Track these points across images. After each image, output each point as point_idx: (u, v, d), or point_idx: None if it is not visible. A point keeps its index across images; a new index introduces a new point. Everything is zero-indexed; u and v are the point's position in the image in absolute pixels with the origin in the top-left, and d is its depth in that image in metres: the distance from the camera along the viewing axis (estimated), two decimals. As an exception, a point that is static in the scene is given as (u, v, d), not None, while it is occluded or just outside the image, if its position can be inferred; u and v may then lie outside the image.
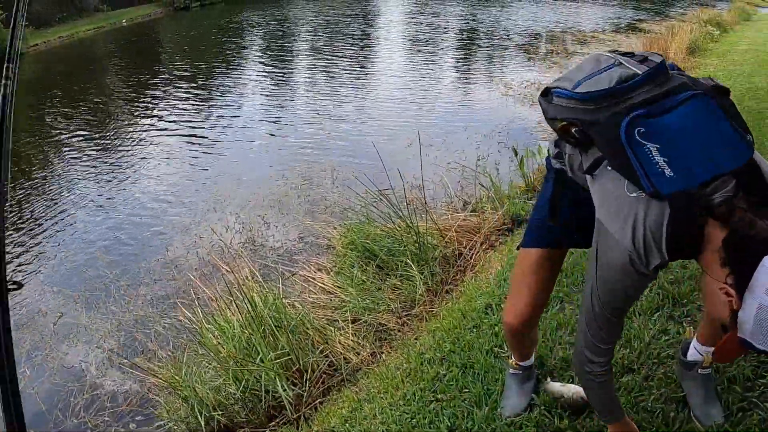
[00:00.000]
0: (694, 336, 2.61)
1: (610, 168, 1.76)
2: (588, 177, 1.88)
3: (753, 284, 1.44)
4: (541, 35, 22.32)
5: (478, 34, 23.18)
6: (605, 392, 2.08)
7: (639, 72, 1.72)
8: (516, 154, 6.95)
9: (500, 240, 5.49)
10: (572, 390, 2.72)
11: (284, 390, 3.67)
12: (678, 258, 1.70)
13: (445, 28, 25.17)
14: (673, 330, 3.11)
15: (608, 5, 30.74)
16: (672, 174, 1.58)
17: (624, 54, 1.88)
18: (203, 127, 12.41)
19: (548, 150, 2.24)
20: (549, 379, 2.86)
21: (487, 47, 20.69)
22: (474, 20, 26.82)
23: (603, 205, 1.79)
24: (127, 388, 4.76)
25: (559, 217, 2.20)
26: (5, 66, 2.06)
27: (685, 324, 3.15)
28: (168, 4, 36.19)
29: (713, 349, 2.50)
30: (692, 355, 2.59)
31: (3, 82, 2.05)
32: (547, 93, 1.96)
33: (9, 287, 1.95)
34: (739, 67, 11.18)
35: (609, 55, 1.88)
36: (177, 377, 4.00)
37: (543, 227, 2.25)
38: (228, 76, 17.56)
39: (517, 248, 2.43)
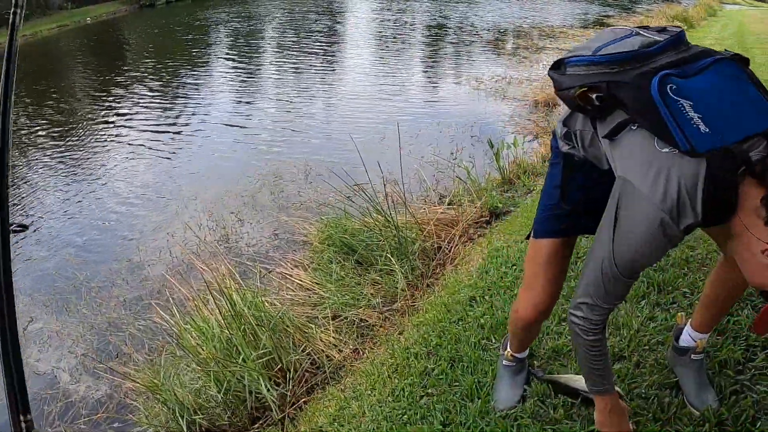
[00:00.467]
0: (687, 322, 2.59)
1: (635, 128, 1.70)
2: (606, 143, 1.82)
3: None
4: (509, 31, 22.41)
5: (446, 30, 23.22)
6: (595, 355, 1.99)
7: (660, 39, 1.71)
8: (492, 147, 6.93)
9: (479, 233, 5.46)
10: (568, 378, 2.71)
11: (268, 390, 3.58)
12: (709, 222, 1.62)
13: (413, 24, 25.19)
14: (661, 317, 3.10)
15: (575, 1, 30.93)
16: (708, 130, 1.53)
17: (640, 27, 1.86)
18: (171, 126, 12.26)
19: (554, 132, 2.18)
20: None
21: (455, 43, 20.71)
22: (441, 16, 26.86)
23: (629, 161, 1.71)
24: (103, 394, 4.63)
25: (569, 200, 2.14)
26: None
27: (671, 310, 3.14)
28: (133, 1, 35.78)
29: (707, 336, 2.51)
30: (685, 341, 2.57)
31: (12, 9, 2.01)
32: (559, 65, 1.92)
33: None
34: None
35: (624, 27, 1.88)
36: (155, 381, 3.88)
37: (554, 216, 2.19)
38: (195, 74, 17.38)
39: (527, 238, 2.37)
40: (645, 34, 1.77)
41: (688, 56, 1.66)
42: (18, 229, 1.95)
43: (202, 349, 3.94)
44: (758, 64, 10.46)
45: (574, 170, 2.10)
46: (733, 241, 1.63)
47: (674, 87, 1.57)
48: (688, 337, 2.56)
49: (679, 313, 2.74)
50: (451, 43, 20.80)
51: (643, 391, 2.63)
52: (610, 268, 1.76)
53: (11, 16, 2.00)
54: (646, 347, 2.90)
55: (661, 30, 1.78)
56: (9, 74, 1.98)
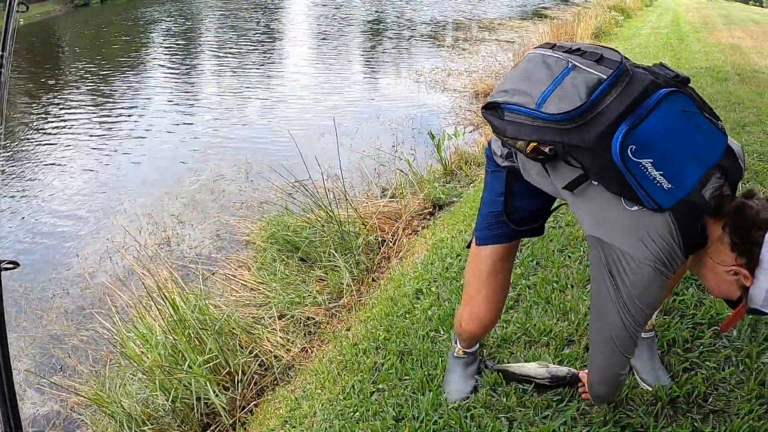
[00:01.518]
0: None
1: (596, 183, 1.73)
2: (566, 192, 1.83)
3: (762, 260, 1.60)
4: (448, 24, 22.50)
5: (384, 26, 23.20)
6: None
7: (603, 76, 1.64)
8: (433, 138, 6.93)
9: (422, 224, 5.45)
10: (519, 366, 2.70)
11: (216, 396, 3.50)
12: (688, 256, 1.76)
13: (350, 20, 25.10)
14: (607, 299, 3.09)
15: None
16: (670, 185, 1.60)
17: (570, 51, 1.78)
18: (108, 130, 11.94)
19: (491, 145, 2.14)
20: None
21: (394, 37, 20.72)
22: (379, 12, 26.83)
23: (601, 223, 1.76)
24: (49, 410, 4.45)
25: (514, 212, 2.12)
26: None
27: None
28: (67, 0, 34.90)
29: (655, 314, 2.52)
30: None
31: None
32: (494, 107, 1.84)
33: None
34: (645, 50, 11.55)
35: (556, 55, 1.78)
36: (101, 393, 3.77)
37: (498, 222, 2.15)
38: (131, 76, 16.99)
39: (467, 246, 2.33)
40: (582, 67, 1.69)
41: (636, 97, 1.60)
42: (9, 266, 1.98)
43: (147, 357, 3.84)
44: (695, 51, 10.72)
45: (518, 181, 2.08)
46: (694, 260, 1.79)
47: (633, 148, 1.57)
48: None
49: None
50: (390, 37, 20.81)
51: (594, 374, 2.62)
52: (633, 328, 1.80)
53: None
54: (595, 330, 2.89)
55: (599, 59, 1.70)
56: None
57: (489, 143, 2.16)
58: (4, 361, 1.82)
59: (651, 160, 1.57)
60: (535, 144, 1.74)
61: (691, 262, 1.80)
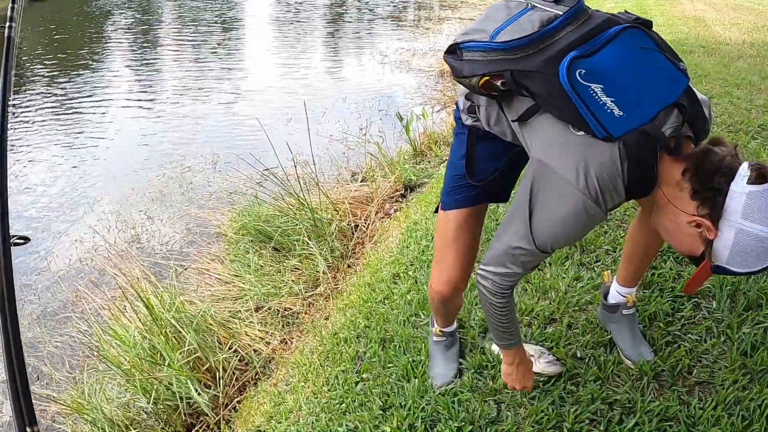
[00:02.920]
0: (613, 279, 2.60)
1: (546, 114, 1.67)
2: (516, 125, 1.79)
3: (726, 211, 1.48)
4: (410, 4, 22.38)
5: (345, 8, 23.03)
6: (503, 315, 1.97)
7: (559, 13, 1.64)
8: (401, 120, 6.90)
9: (395, 207, 5.42)
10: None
11: (198, 394, 3.45)
12: (631, 198, 1.68)
13: (310, 4, 24.85)
14: (587, 276, 3.11)
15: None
16: (621, 113, 1.54)
17: None
18: (69, 127, 11.68)
19: (457, 104, 2.12)
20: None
21: (356, 20, 20.58)
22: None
23: (545, 144, 1.70)
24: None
25: (476, 173, 2.08)
26: (9, 6, 2.01)
27: (596, 269, 3.16)
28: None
29: (634, 289, 2.55)
30: (614, 297, 2.59)
31: (8, 24, 1.98)
32: (454, 50, 1.82)
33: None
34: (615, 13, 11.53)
35: (518, 0, 1.77)
36: (80, 400, 3.68)
37: (460, 186, 2.13)
38: (91, 69, 16.65)
39: (435, 211, 2.32)
40: (541, 7, 1.69)
41: (592, 29, 1.60)
42: (20, 241, 1.96)
43: (125, 359, 3.77)
44: (659, 25, 10.73)
45: (479, 141, 2.05)
46: (656, 213, 1.69)
47: (583, 72, 1.54)
48: (616, 293, 2.58)
49: (605, 271, 2.75)
50: (351, 20, 20.66)
51: (579, 351, 2.63)
52: (528, 245, 1.75)
53: (6, 29, 1.97)
54: (576, 308, 2.90)
55: (558, 0, 1.71)
56: (6, 86, 1.96)
57: (456, 103, 2.15)
58: (16, 348, 1.91)
59: (602, 86, 1.54)
60: (487, 78, 1.72)
61: (654, 214, 1.72)
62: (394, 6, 22.19)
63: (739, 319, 2.66)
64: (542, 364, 2.52)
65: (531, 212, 1.72)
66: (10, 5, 2.01)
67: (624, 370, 2.51)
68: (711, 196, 1.50)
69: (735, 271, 1.54)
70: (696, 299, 2.80)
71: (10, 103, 1.95)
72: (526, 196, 1.72)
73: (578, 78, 1.53)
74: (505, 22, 1.71)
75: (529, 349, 2.57)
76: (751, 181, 1.44)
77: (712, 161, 1.50)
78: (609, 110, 1.53)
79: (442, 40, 14.15)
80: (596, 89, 1.53)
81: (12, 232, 1.92)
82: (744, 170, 1.46)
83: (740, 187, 1.45)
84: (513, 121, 1.79)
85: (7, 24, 1.99)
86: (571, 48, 1.57)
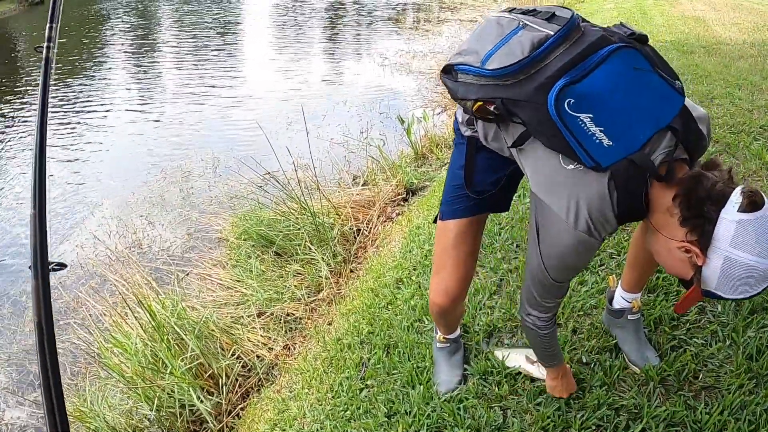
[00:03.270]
0: (618, 284, 2.59)
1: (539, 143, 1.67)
2: (513, 150, 1.80)
3: (716, 238, 1.46)
4: (409, 6, 22.38)
5: (345, 11, 23.03)
6: (549, 343, 2.09)
7: (550, 33, 1.60)
8: (402, 122, 6.89)
9: (397, 211, 5.41)
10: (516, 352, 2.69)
11: (201, 401, 3.44)
12: (624, 222, 1.69)
13: (311, 8, 24.84)
14: (591, 280, 3.09)
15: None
16: (611, 143, 1.54)
17: (526, 12, 1.76)
18: (68, 131, 11.70)
19: (456, 115, 2.12)
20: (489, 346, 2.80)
21: (356, 22, 20.58)
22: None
23: (538, 179, 1.72)
24: (31, 428, 4.35)
25: (475, 185, 2.08)
26: (47, 26, 2.06)
27: (600, 273, 3.14)
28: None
29: (639, 294, 2.54)
30: (619, 302, 2.58)
31: (46, 44, 2.05)
32: (449, 71, 1.82)
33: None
34: (608, 25, 11.50)
35: (510, 16, 1.76)
36: (82, 408, 3.67)
37: (460, 196, 2.12)
38: (90, 73, 16.66)
39: (434, 221, 2.30)
40: (533, 25, 1.66)
41: (583, 50, 1.56)
42: (57, 267, 2.01)
43: (127, 367, 3.75)
44: (658, 25, 10.73)
45: (478, 152, 2.04)
46: (648, 234, 1.69)
47: (572, 102, 1.52)
48: (620, 298, 2.56)
49: (610, 276, 2.74)
50: (351, 23, 20.66)
51: (584, 356, 2.62)
52: (546, 279, 1.80)
53: (44, 50, 2.06)
54: (581, 312, 2.89)
55: (551, 16, 1.68)
56: (43, 119, 2.05)
57: (456, 114, 2.14)
58: (53, 366, 1.98)
59: (591, 116, 1.52)
60: (480, 104, 1.71)
61: (647, 236, 1.72)
62: (393, 8, 22.20)
63: (744, 322, 2.65)
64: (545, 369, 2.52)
65: (540, 249, 1.76)
66: (48, 25, 2.03)
67: (630, 375, 2.50)
68: (700, 223, 1.48)
69: (724, 296, 1.53)
70: (701, 303, 2.79)
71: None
72: (534, 236, 1.76)
73: (566, 109, 1.51)
74: (495, 45, 1.68)
75: (532, 354, 2.56)
76: (742, 209, 1.42)
77: (704, 187, 1.48)
78: (598, 140, 1.52)
79: (442, 42, 14.15)
80: (585, 119, 1.52)
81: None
82: (736, 197, 1.44)
83: (730, 215, 1.43)
84: (509, 147, 1.80)
85: (45, 44, 2.02)
86: (561, 73, 1.54)
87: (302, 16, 22.85)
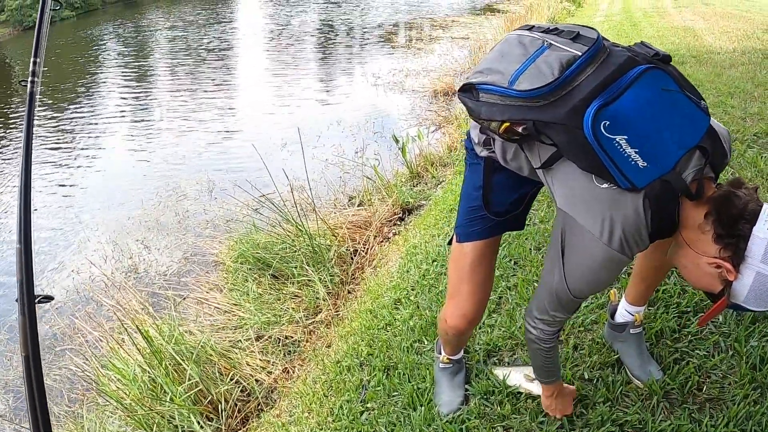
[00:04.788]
0: (621, 298, 2.57)
1: (569, 161, 1.65)
2: (540, 171, 1.78)
3: (748, 255, 1.50)
4: (401, 24, 22.53)
5: (338, 30, 23.22)
6: (549, 358, 2.08)
7: (578, 53, 1.59)
8: (397, 142, 6.89)
9: (394, 231, 5.39)
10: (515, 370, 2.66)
11: (201, 427, 3.39)
12: (656, 240, 1.69)
13: (304, 29, 24.97)
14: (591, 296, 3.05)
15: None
16: (646, 164, 1.54)
17: (547, 31, 1.74)
18: (64, 155, 11.70)
19: (468, 135, 2.08)
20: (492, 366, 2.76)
21: (349, 42, 20.73)
22: (328, 19, 26.75)
23: (568, 196, 1.70)
24: (25, 457, 4.30)
25: (493, 205, 2.05)
26: (31, 61, 2.08)
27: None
28: (15, 23, 34.38)
29: (643, 308, 2.53)
30: (622, 316, 2.56)
31: (30, 79, 2.07)
32: (469, 89, 1.78)
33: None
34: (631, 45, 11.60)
35: (533, 35, 1.73)
36: (80, 436, 3.63)
37: (477, 218, 2.09)
38: (85, 98, 16.74)
39: (449, 243, 2.28)
40: (559, 45, 1.65)
41: (613, 71, 1.55)
42: (44, 300, 2.04)
43: (126, 393, 3.71)
44: (649, 36, 10.81)
45: (495, 172, 2.01)
46: (674, 249, 1.71)
47: (608, 124, 1.51)
48: (624, 312, 2.55)
49: (611, 291, 2.71)
50: (345, 42, 20.81)
51: (586, 373, 2.59)
52: (565, 294, 1.79)
53: (29, 85, 2.08)
54: (582, 328, 2.86)
55: (575, 37, 1.66)
56: (28, 155, 2.09)
57: (468, 133, 2.10)
58: (40, 396, 1.98)
59: (626, 137, 1.52)
60: (508, 125, 1.68)
61: (671, 250, 1.73)
62: (385, 27, 22.31)
63: (746, 332, 2.63)
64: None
65: (564, 264, 1.75)
66: (32, 59, 2.03)
67: (633, 389, 2.48)
68: (734, 242, 1.51)
69: (751, 308, 1.57)
70: (702, 313, 2.76)
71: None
72: (558, 250, 1.75)
73: (602, 131, 1.51)
74: (522, 65, 1.66)
75: (530, 371, 2.54)
76: None
77: (736, 206, 1.51)
78: (633, 162, 1.52)
79: (434, 60, 14.21)
80: (621, 141, 1.51)
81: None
82: (766, 214, 1.49)
83: (762, 233, 1.48)
84: (537, 168, 1.77)
85: (30, 79, 2.02)
86: (593, 95, 1.53)
87: (295, 38, 22.97)
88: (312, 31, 24.02)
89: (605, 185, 1.59)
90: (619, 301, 2.59)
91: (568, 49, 1.62)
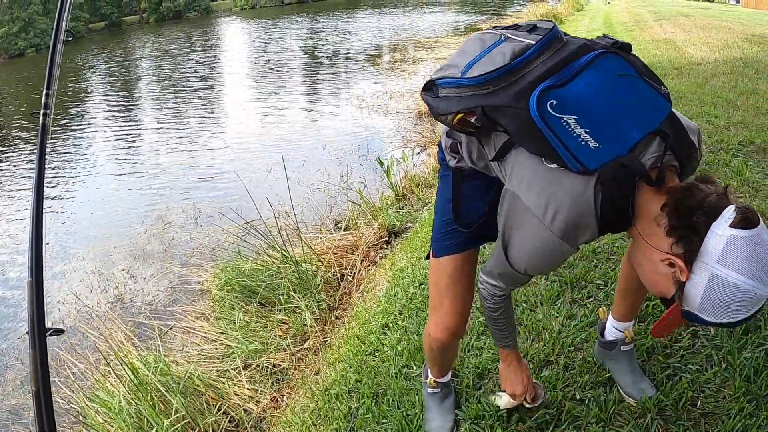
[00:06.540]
0: (609, 315, 2.54)
1: (520, 148, 1.61)
2: (494, 163, 1.74)
3: (703, 253, 1.37)
4: (384, 47, 22.70)
5: (322, 54, 23.40)
6: (498, 318, 2.06)
7: (531, 42, 1.58)
8: (381, 164, 6.87)
9: (380, 254, 5.35)
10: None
11: (189, 460, 3.32)
12: (607, 232, 1.60)
13: (288, 56, 25.10)
14: (580, 313, 3.03)
15: (443, 12, 31.59)
16: (598, 145, 1.46)
17: (508, 27, 1.74)
18: (48, 183, 11.60)
19: (440, 144, 2.06)
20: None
21: (333, 65, 20.84)
22: (311, 45, 26.90)
23: (516, 177, 1.64)
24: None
25: (463, 216, 2.02)
26: (43, 92, 2.07)
27: (589, 305, 3.09)
28: (2, 52, 34.48)
29: (631, 324, 2.49)
30: (611, 333, 2.52)
31: (42, 111, 2.06)
32: (430, 87, 1.77)
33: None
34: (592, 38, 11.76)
35: (493, 32, 1.74)
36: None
37: (451, 231, 2.06)
38: (71, 126, 16.69)
39: (426, 257, 2.24)
40: (514, 38, 1.64)
41: (565, 57, 1.54)
42: (54, 333, 2.02)
43: (112, 426, 3.63)
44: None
45: (464, 182, 1.99)
46: (633, 247, 1.60)
47: (555, 103, 1.47)
48: (613, 329, 2.51)
49: (600, 308, 2.68)
50: (329, 65, 20.93)
51: (578, 393, 2.54)
52: (508, 267, 1.75)
53: (41, 117, 2.07)
54: (572, 347, 2.82)
55: (532, 28, 1.67)
56: (39, 188, 2.15)
57: (439, 143, 2.08)
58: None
59: (575, 117, 1.47)
60: (461, 115, 1.66)
61: (631, 247, 1.62)
62: (370, 50, 22.46)
63: (738, 344, 2.60)
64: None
65: (506, 244, 1.69)
66: (44, 91, 2.01)
67: (626, 408, 2.43)
68: (687, 234, 1.39)
69: (706, 320, 1.43)
70: (694, 328, 2.73)
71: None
72: (501, 228, 1.70)
73: (549, 110, 1.46)
74: (476, 56, 1.66)
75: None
76: (734, 225, 1.34)
77: (695, 197, 1.39)
78: (584, 142, 1.46)
79: (419, 81, 14.27)
80: (569, 120, 1.46)
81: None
82: (729, 212, 1.35)
83: (721, 230, 1.35)
84: (491, 160, 1.74)
85: (42, 111, 2.01)
86: (542, 79, 1.51)
87: (280, 63, 23.06)
88: (298, 57, 24.14)
89: (554, 165, 1.52)
90: (608, 318, 2.55)
91: (523, 39, 1.61)
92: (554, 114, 1.46)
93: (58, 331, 2.03)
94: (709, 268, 1.36)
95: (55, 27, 2.18)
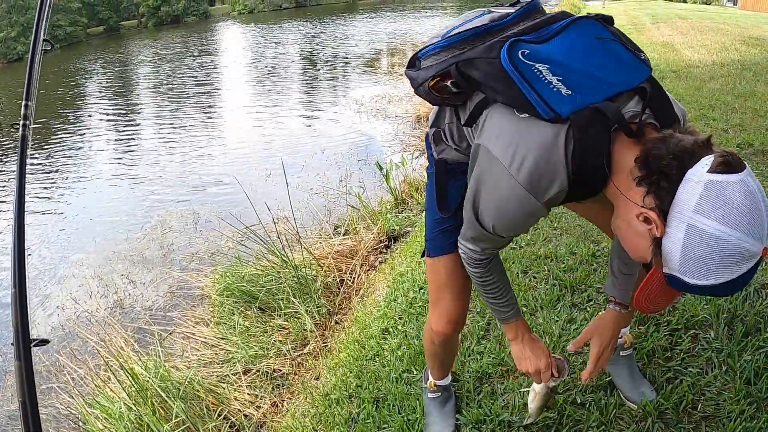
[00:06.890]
0: None
1: (494, 105, 1.57)
2: (469, 130, 1.73)
3: (677, 202, 1.24)
4: (383, 51, 22.69)
5: (320, 59, 23.35)
6: (487, 285, 1.90)
7: (511, 11, 1.62)
8: (380, 169, 6.87)
9: (380, 259, 5.35)
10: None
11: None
12: (579, 192, 1.48)
13: (287, 60, 25.11)
14: (580, 317, 3.04)
15: (441, 16, 31.64)
16: (570, 92, 1.41)
17: (493, 6, 1.77)
18: (46, 191, 11.61)
19: (426, 136, 2.04)
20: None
21: (332, 70, 20.83)
22: (310, 50, 26.91)
23: (486, 130, 1.57)
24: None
25: (448, 206, 1.99)
26: (23, 104, 2.07)
27: (589, 309, 3.09)
28: (1, 56, 34.49)
29: (627, 328, 2.48)
30: None
31: (22, 122, 2.07)
32: (413, 63, 1.79)
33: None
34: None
35: (476, 9, 1.78)
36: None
37: (444, 230, 2.04)
38: (70, 132, 16.66)
39: (422, 256, 2.23)
40: (497, 10, 1.68)
41: (545, 19, 1.55)
42: (39, 344, 2.04)
43: (112, 432, 3.63)
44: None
45: (448, 175, 1.96)
46: (614, 212, 1.48)
47: (527, 52, 1.45)
48: None
49: (600, 314, 2.67)
50: (328, 70, 20.91)
51: (578, 397, 2.54)
52: (478, 230, 1.69)
53: (21, 128, 2.09)
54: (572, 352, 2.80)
55: (515, 3, 1.69)
56: (21, 199, 2.13)
57: (426, 135, 2.05)
58: None
59: (547, 66, 1.43)
60: (438, 79, 1.66)
61: (612, 218, 1.49)
62: (367, 54, 22.45)
63: (738, 346, 2.60)
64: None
65: (476, 201, 1.63)
66: (24, 102, 2.01)
67: (627, 411, 2.43)
68: (656, 180, 1.27)
69: (689, 282, 1.27)
70: (693, 330, 2.74)
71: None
72: (471, 185, 1.63)
73: (520, 57, 1.44)
74: (457, 24, 1.71)
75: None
76: (712, 170, 1.21)
77: (669, 145, 1.28)
78: (556, 89, 1.40)
79: (417, 85, 14.28)
80: (540, 68, 1.43)
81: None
82: (708, 159, 1.23)
83: (697, 176, 1.21)
84: (463, 125, 1.72)
85: (21, 122, 2.01)
86: (517, 36, 1.51)
87: (278, 68, 23.06)
88: (296, 61, 24.15)
89: (525, 115, 1.45)
90: None
91: (504, 10, 1.65)
92: (525, 61, 1.44)
93: (43, 342, 2.04)
94: (685, 219, 1.23)
95: (33, 38, 2.17)
